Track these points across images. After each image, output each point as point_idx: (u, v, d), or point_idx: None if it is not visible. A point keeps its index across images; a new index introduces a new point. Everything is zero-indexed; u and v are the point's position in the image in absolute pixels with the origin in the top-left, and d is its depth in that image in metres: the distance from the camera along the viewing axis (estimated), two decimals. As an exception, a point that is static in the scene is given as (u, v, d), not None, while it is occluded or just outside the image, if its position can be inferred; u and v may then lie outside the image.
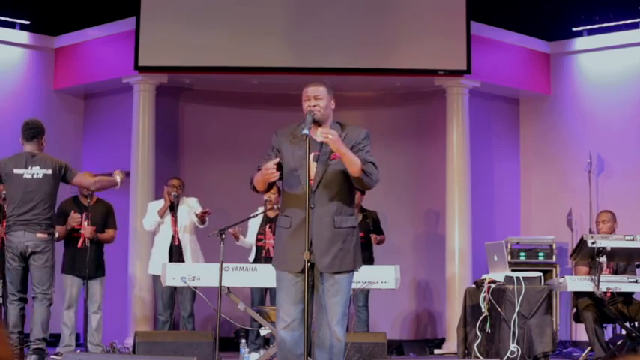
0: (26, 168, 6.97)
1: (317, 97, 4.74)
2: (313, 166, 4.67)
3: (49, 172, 6.98)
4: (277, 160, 4.67)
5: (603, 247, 7.00)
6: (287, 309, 4.66)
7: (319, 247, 4.62)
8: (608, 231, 7.71)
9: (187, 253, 8.51)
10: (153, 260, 8.61)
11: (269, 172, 4.61)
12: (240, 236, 8.51)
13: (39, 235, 6.89)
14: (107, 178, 7.40)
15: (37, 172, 6.97)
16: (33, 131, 7.09)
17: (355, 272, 4.81)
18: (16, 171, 6.98)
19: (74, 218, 8.07)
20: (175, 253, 8.46)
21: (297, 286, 4.66)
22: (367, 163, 4.64)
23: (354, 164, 4.58)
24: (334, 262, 4.64)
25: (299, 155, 4.68)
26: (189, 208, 8.64)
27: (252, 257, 8.66)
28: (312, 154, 4.67)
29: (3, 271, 7.26)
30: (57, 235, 7.37)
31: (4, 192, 7.30)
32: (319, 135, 4.62)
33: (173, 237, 8.52)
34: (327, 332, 4.67)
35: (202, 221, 8.51)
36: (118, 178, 7.29)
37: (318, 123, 4.71)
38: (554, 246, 9.78)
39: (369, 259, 8.68)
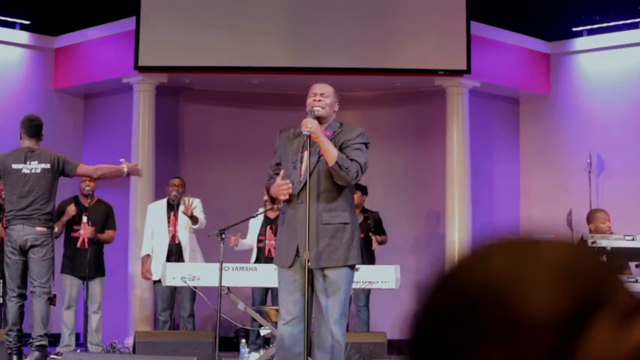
0: (25, 163, 6.93)
1: (323, 95, 4.78)
2: (304, 163, 4.71)
3: (48, 166, 6.93)
4: (289, 182, 4.68)
5: (603, 247, 6.99)
6: (287, 307, 4.68)
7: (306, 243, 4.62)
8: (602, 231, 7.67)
9: (186, 253, 8.48)
10: (153, 267, 8.49)
11: (282, 188, 4.64)
12: (240, 240, 8.44)
13: (38, 228, 6.84)
14: (109, 165, 7.20)
15: (35, 166, 6.92)
16: (37, 129, 7.07)
17: (355, 271, 4.80)
18: (14, 166, 6.93)
19: (69, 212, 8.07)
20: (175, 253, 8.43)
21: (295, 284, 4.67)
22: (346, 157, 4.62)
23: (329, 154, 4.59)
24: (320, 258, 4.62)
25: (291, 153, 4.76)
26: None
27: (253, 258, 8.60)
28: (305, 152, 4.72)
29: (2, 268, 7.26)
30: (56, 229, 7.37)
31: (2, 192, 7.30)
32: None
33: (173, 236, 8.51)
34: (326, 332, 4.66)
35: (193, 220, 8.45)
36: (125, 167, 7.08)
37: (319, 121, 4.73)
38: (554, 246, 9.76)
39: (370, 259, 8.67)
